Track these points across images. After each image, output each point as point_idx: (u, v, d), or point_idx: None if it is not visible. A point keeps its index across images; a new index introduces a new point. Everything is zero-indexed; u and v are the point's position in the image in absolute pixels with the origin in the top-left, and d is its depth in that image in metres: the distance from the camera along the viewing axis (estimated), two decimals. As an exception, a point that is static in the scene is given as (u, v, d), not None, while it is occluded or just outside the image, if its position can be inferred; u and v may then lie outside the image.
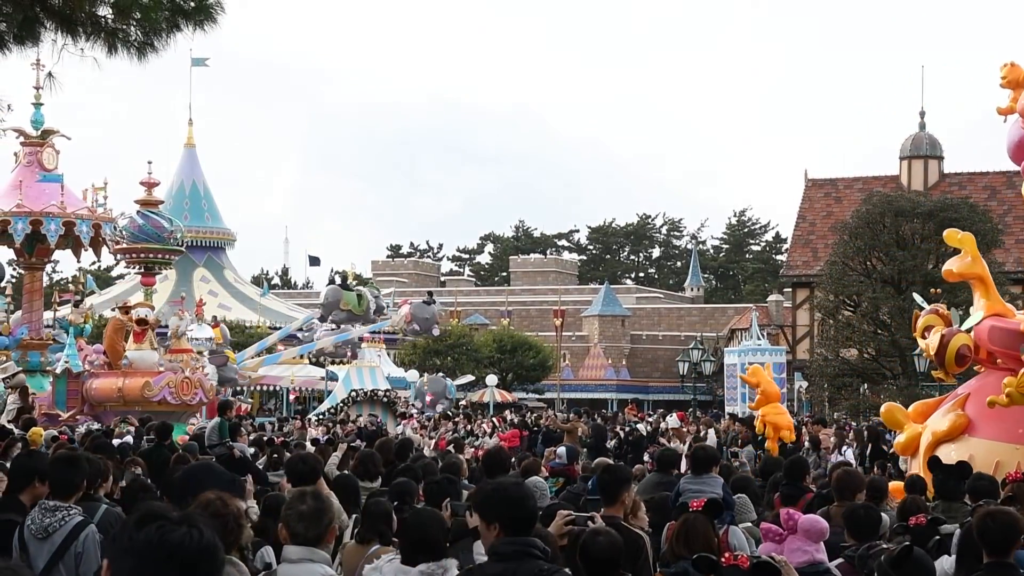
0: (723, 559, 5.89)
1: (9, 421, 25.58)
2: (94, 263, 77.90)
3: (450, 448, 18.90)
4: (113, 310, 35.23)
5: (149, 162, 31.98)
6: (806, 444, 25.85)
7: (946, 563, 7.96)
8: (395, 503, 8.35)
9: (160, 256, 30.67)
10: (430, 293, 46.46)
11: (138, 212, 30.42)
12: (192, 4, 11.30)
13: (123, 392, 28.10)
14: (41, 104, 30.81)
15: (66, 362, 29.25)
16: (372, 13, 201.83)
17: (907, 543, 6.80)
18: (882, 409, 16.36)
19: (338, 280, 43.30)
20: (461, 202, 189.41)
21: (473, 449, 24.91)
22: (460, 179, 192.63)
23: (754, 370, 22.54)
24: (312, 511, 6.10)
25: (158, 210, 30.77)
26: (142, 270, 31.23)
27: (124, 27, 11.25)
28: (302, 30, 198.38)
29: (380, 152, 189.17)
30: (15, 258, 32.30)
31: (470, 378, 59.71)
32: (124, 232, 30.03)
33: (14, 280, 47.46)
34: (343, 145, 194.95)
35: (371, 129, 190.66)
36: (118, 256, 32.11)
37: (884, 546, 7.16)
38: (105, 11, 11.26)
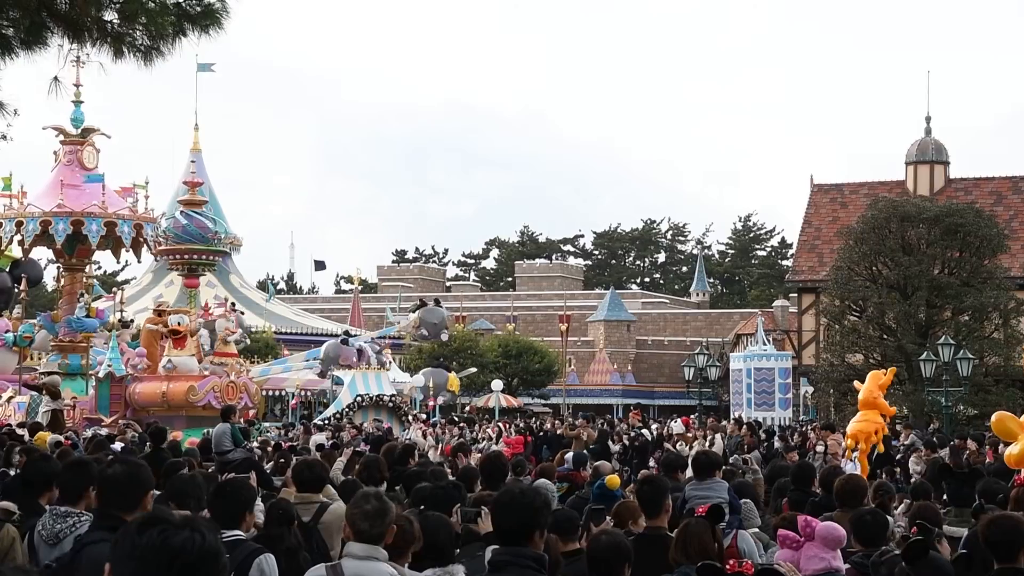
0: (728, 566, 5.87)
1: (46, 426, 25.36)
2: (99, 267, 77.79)
3: (459, 453, 18.84)
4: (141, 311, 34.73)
5: (192, 161, 31.15)
6: (816, 450, 25.77)
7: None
8: (421, 507, 8.33)
9: (204, 257, 29.86)
10: (436, 300, 46.56)
11: (181, 212, 29.67)
12: (198, 9, 11.30)
13: (167, 396, 27.44)
14: (81, 102, 30.17)
15: (109, 365, 28.54)
16: (380, 17, 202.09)
17: (919, 538, 6.76)
18: (993, 418, 15.22)
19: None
20: (468, 207, 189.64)
21: (480, 455, 24.84)
22: (468, 184, 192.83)
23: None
24: (376, 510, 6.32)
25: (202, 210, 29.99)
26: (185, 271, 30.59)
27: (130, 32, 11.25)
28: (310, 34, 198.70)
29: (387, 157, 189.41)
30: (54, 259, 31.66)
31: (472, 370, 59.65)
32: (168, 232, 29.42)
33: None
34: (349, 149, 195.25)
35: (378, 133, 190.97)
36: (160, 257, 31.61)
37: (896, 552, 7.13)
38: (111, 16, 11.27)
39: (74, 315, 30.56)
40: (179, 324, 28.34)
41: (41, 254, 33.32)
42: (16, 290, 34.44)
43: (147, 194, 30.81)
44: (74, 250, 29.92)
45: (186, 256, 29.61)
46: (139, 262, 35.64)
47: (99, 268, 75.30)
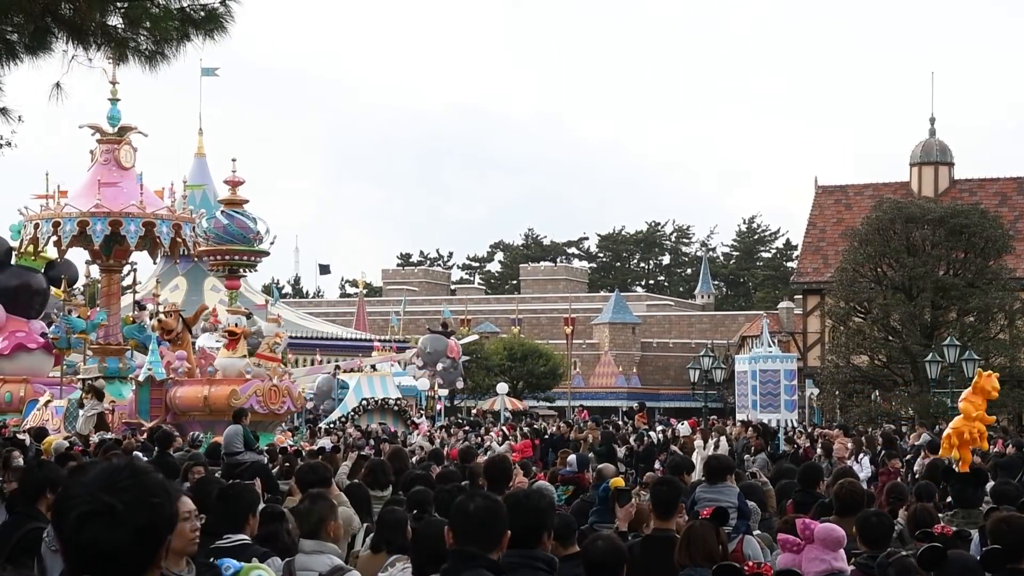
0: (747, 567, 5.86)
1: (92, 430, 25.06)
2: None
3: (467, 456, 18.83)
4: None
5: (233, 159, 29.99)
6: (819, 451, 25.72)
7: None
8: (413, 511, 8.32)
9: (246, 258, 28.90)
10: (444, 325, 48.61)
11: (222, 212, 28.86)
12: (202, 13, 11.30)
13: (209, 401, 26.80)
14: (118, 99, 29.66)
15: (149, 369, 27.93)
16: (388, 21, 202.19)
17: (936, 544, 6.72)
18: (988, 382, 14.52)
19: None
20: (475, 211, 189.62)
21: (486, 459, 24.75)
22: (475, 187, 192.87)
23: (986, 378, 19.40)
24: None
25: (243, 210, 28.99)
26: (226, 273, 29.70)
27: (134, 37, 11.24)
28: (316, 39, 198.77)
29: (394, 160, 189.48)
30: (91, 260, 30.92)
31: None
32: (208, 233, 28.54)
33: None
34: (355, 154, 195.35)
35: (385, 137, 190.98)
36: (202, 258, 30.83)
37: (903, 552, 7.09)
38: (116, 21, 11.26)
39: (137, 324, 30.12)
40: (236, 325, 27.75)
41: (77, 255, 32.70)
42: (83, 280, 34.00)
43: (184, 193, 30.23)
44: (111, 251, 29.28)
45: (227, 257, 28.70)
46: (176, 263, 34.97)
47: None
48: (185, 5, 11.24)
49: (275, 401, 27.56)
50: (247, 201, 29.33)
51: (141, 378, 28.13)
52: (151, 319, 30.46)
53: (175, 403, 27.68)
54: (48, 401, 29.51)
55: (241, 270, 29.59)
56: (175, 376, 27.99)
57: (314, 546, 6.71)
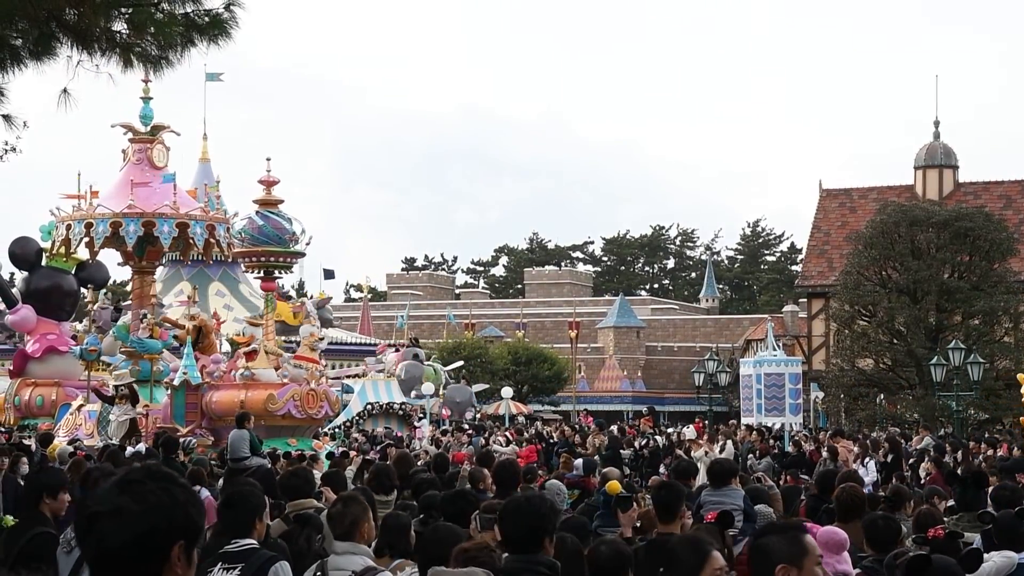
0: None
1: (123, 435, 24.87)
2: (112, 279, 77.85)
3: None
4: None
5: (268, 159, 29.49)
6: (823, 456, 25.70)
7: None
8: (421, 515, 8.34)
9: (281, 259, 28.17)
10: (415, 340, 48.81)
11: (257, 212, 28.16)
12: (206, 19, 11.31)
13: (246, 406, 25.84)
14: (150, 98, 29.36)
15: (184, 373, 27.50)
16: (393, 23, 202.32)
17: (922, 552, 6.73)
18: None
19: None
20: (480, 215, 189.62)
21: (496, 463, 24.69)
22: (480, 191, 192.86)
23: None
24: (337, 513, 7.11)
25: (278, 210, 28.32)
26: (261, 274, 29.03)
27: (139, 42, 11.26)
28: (322, 41, 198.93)
29: (398, 164, 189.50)
30: (123, 262, 30.33)
31: (484, 386, 59.83)
32: (243, 234, 27.95)
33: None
34: (360, 157, 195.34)
35: (389, 141, 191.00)
36: (237, 259, 30.29)
37: (911, 553, 7.10)
38: (120, 26, 11.28)
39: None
40: (241, 335, 27.32)
41: (109, 256, 32.20)
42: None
43: (218, 194, 29.71)
44: (144, 252, 28.93)
45: (262, 259, 28.07)
46: (210, 264, 34.20)
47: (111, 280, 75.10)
48: (189, 11, 11.26)
49: (312, 406, 27.11)
50: (282, 201, 28.71)
51: (176, 382, 27.73)
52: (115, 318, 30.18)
53: (211, 408, 27.28)
54: (81, 405, 29.06)
55: (276, 271, 28.91)
56: (210, 380, 27.60)
57: (347, 547, 6.90)
